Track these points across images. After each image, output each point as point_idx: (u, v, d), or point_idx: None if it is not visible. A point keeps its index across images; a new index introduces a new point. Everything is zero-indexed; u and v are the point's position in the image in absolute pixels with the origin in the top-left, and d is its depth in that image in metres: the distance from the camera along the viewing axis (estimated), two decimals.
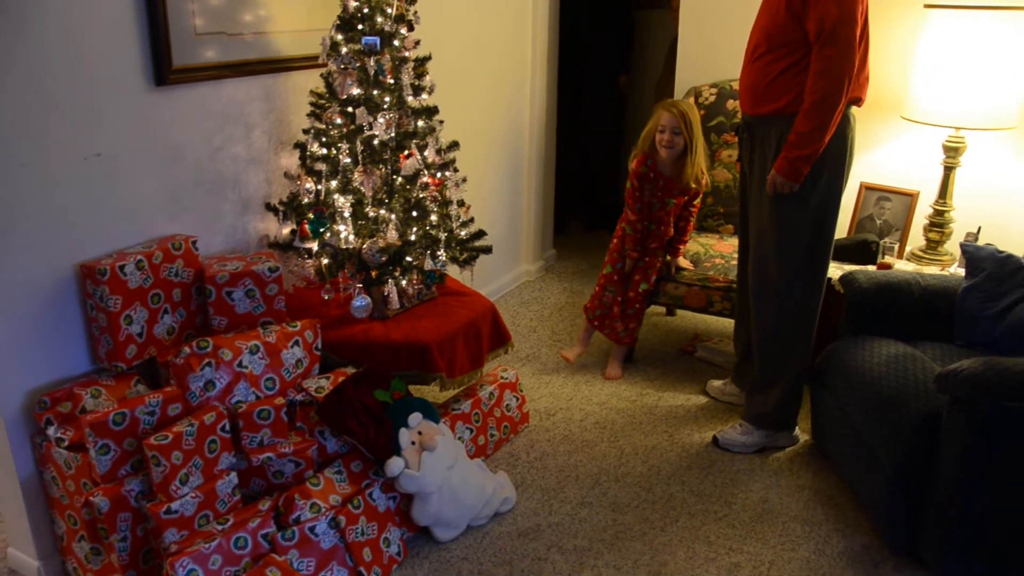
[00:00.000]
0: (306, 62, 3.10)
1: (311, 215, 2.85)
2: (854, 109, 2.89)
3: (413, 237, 2.92)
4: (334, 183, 2.85)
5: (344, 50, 2.80)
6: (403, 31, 2.87)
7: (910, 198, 3.69)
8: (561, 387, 3.74)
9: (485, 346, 3.19)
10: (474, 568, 2.62)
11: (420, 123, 2.93)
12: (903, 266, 3.53)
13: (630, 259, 3.75)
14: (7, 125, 2.22)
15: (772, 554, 2.69)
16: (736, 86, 3.98)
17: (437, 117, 2.99)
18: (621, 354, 3.89)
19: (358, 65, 2.80)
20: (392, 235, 2.88)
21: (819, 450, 3.25)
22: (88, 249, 2.49)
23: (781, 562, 2.65)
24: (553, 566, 2.63)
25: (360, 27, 2.79)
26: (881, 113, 3.72)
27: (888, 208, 3.75)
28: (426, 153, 2.94)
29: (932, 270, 3.42)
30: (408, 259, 2.94)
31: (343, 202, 2.84)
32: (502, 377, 3.33)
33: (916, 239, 3.70)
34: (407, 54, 2.89)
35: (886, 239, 3.69)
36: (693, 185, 3.63)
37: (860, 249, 3.56)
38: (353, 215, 2.86)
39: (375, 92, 2.82)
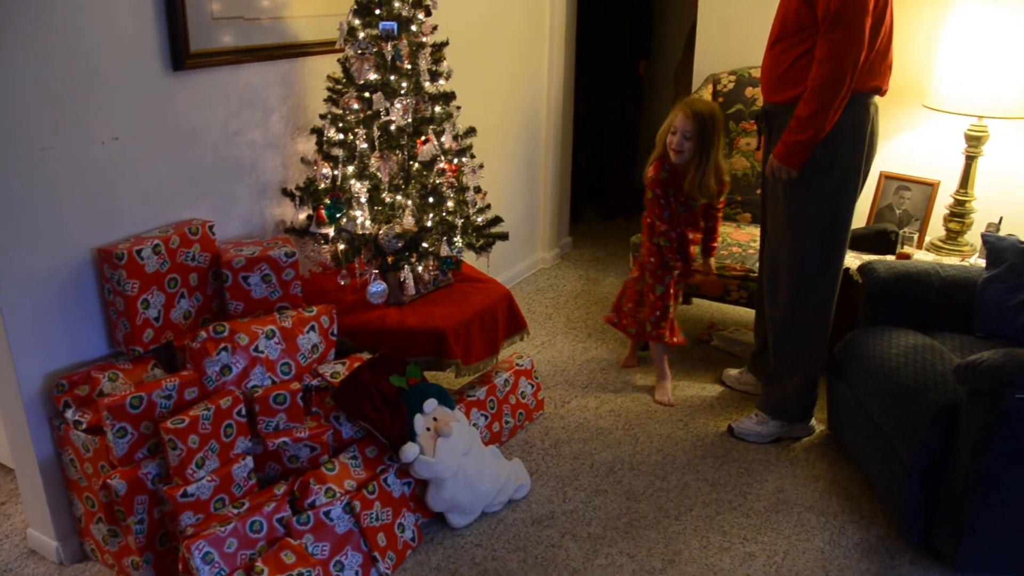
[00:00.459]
0: (323, 47, 3.10)
1: (328, 200, 2.84)
2: (876, 98, 2.86)
3: (429, 223, 2.92)
4: (351, 168, 2.85)
5: (361, 35, 2.79)
6: (421, 16, 2.86)
7: (930, 188, 3.65)
8: (576, 375, 3.74)
9: (501, 333, 3.18)
10: (488, 554, 2.63)
11: (437, 109, 2.92)
12: (922, 256, 3.49)
13: (676, 269, 3.43)
14: (27, 109, 2.23)
15: (787, 544, 2.68)
16: (755, 74, 3.95)
17: (454, 103, 2.98)
18: (662, 374, 3.59)
19: (375, 50, 2.79)
20: (408, 221, 2.87)
21: (835, 441, 3.23)
22: (105, 233, 2.50)
23: (796, 552, 2.65)
24: (567, 553, 2.63)
25: (377, 12, 2.78)
26: (902, 101, 3.68)
27: (907, 197, 3.71)
28: (443, 139, 2.93)
29: (952, 260, 3.38)
30: (424, 245, 2.93)
31: (360, 188, 2.83)
32: (517, 364, 3.32)
33: (936, 229, 3.66)
34: (424, 39, 2.88)
35: (905, 229, 3.66)
36: (700, 197, 3.32)
37: (879, 239, 3.53)
38: (370, 201, 2.86)
39: (392, 77, 2.81)
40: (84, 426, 2.37)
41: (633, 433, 3.28)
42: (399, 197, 2.88)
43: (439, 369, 2.93)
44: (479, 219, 3.09)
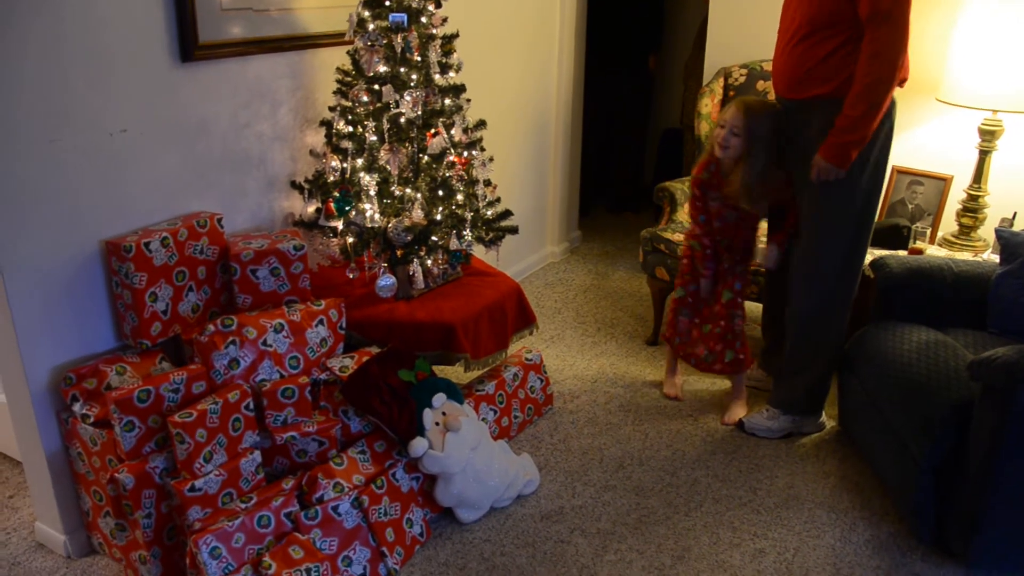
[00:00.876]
0: (333, 39, 3.08)
1: (336, 193, 2.83)
2: (896, 90, 2.83)
3: (439, 216, 2.91)
4: (360, 161, 2.84)
5: (371, 27, 2.77)
6: (430, 8, 2.84)
7: (943, 182, 3.63)
8: (585, 369, 3.72)
9: (510, 327, 3.17)
10: (496, 550, 2.62)
11: (447, 101, 2.91)
12: (935, 251, 3.47)
13: (704, 279, 3.23)
14: (36, 101, 2.22)
15: (797, 541, 2.67)
16: (767, 67, 3.92)
17: (464, 95, 2.97)
18: (739, 392, 3.36)
19: (385, 42, 2.78)
20: (418, 214, 2.86)
21: (846, 437, 3.21)
22: (114, 225, 2.49)
23: (806, 549, 2.63)
24: (576, 549, 2.62)
25: (387, 3, 2.77)
26: (916, 95, 3.64)
27: (920, 192, 3.68)
28: (453, 132, 2.92)
29: (965, 256, 3.36)
30: (434, 238, 2.92)
31: (369, 180, 2.82)
32: (526, 358, 3.31)
33: (948, 224, 3.63)
34: (434, 31, 2.86)
35: (918, 224, 3.63)
36: (744, 204, 3.03)
37: (891, 234, 3.51)
38: (379, 194, 2.84)
39: (402, 70, 2.79)
40: (92, 419, 2.36)
41: (643, 428, 3.27)
42: (408, 190, 2.87)
43: (448, 363, 2.91)
44: (489, 212, 3.08)
